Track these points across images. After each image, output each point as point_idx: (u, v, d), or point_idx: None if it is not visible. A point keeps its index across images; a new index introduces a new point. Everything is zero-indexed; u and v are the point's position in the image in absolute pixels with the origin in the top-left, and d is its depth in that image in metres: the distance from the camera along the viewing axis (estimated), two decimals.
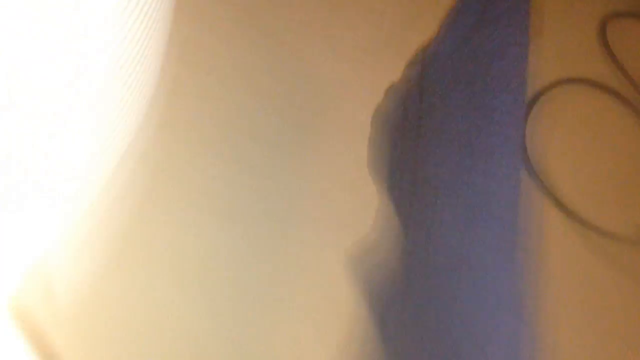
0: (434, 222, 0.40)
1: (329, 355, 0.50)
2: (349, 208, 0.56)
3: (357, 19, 0.71)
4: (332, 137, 0.60)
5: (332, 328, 0.51)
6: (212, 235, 0.52)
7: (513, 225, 0.35)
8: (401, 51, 0.70)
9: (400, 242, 0.44)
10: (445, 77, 0.50)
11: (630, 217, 0.68)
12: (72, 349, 0.45)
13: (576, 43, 0.81)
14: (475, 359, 0.31)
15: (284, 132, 0.58)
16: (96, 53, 0.32)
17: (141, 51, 0.34)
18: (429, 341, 0.36)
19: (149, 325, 0.47)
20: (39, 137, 0.31)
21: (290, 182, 0.56)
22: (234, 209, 0.53)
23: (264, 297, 0.51)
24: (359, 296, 0.49)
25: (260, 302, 0.51)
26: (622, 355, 0.61)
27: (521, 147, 0.44)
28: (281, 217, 0.55)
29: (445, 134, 0.43)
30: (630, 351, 0.62)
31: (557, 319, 0.66)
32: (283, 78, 0.63)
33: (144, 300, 0.47)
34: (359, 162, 0.59)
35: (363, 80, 0.66)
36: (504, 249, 0.34)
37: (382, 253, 0.46)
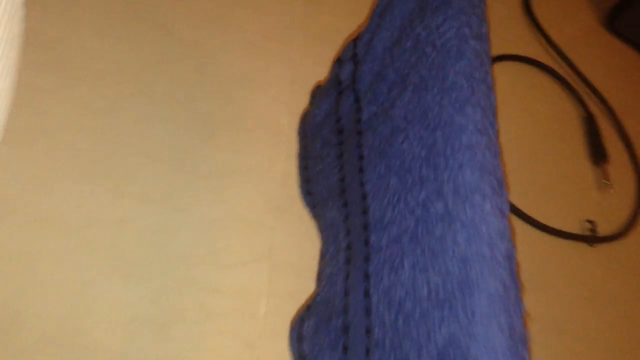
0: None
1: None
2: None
3: (266, 2, 0.59)
4: (243, 143, 0.49)
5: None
6: None
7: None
8: (320, 38, 0.60)
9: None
10: (385, 79, 0.40)
11: (574, 211, 0.64)
12: None
13: (501, 18, 0.75)
14: None
15: (184, 147, 0.46)
16: None
17: None
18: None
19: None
20: None
21: (198, 188, 0.45)
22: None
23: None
24: None
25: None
26: (575, 351, 0.57)
27: None
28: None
29: (391, 157, 0.33)
30: (583, 346, 0.58)
31: None
32: (180, 77, 0.50)
33: None
34: (274, 171, 0.49)
35: (276, 73, 0.56)
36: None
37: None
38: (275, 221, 0.47)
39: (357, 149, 0.37)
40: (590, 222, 0.62)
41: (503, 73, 0.71)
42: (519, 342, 0.23)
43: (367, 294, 0.31)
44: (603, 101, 0.70)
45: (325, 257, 0.39)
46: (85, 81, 0.47)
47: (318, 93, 0.49)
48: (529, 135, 0.68)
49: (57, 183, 0.42)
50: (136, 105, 0.47)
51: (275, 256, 0.46)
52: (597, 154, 0.67)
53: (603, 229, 0.63)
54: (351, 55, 0.43)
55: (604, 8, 0.79)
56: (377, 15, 0.43)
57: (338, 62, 0.45)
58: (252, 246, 0.46)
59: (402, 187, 0.30)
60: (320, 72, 0.57)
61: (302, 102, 0.54)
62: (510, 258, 0.24)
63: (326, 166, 0.41)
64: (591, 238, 0.61)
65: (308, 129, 0.47)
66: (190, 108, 0.49)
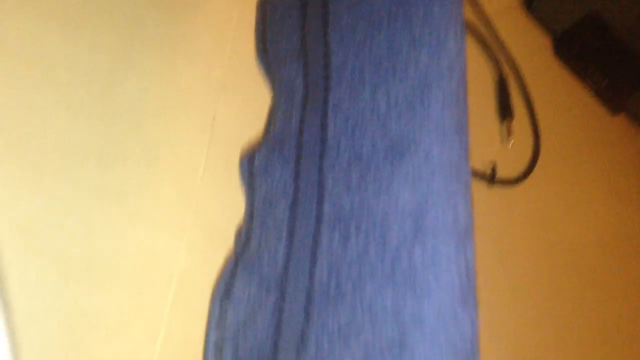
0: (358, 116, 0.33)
1: None
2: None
3: None
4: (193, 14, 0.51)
5: None
6: None
7: None
8: None
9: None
10: None
11: (479, 156, 0.71)
12: None
13: None
14: None
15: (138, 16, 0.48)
16: None
17: None
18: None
19: None
20: None
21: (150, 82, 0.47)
22: None
23: None
24: None
25: None
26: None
27: None
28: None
29: (360, 4, 0.36)
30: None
31: None
32: None
33: None
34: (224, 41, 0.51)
35: None
36: None
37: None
38: (219, 95, 0.50)
39: (323, 6, 0.39)
40: (492, 165, 0.69)
41: None
42: (463, 129, 0.28)
43: (324, 114, 0.34)
44: (513, 65, 0.79)
45: (276, 114, 0.42)
46: None
47: None
48: None
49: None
50: None
51: (216, 128, 0.49)
52: (504, 111, 0.75)
53: (502, 176, 0.71)
54: None
55: None
56: None
57: None
58: (195, 118, 0.49)
59: (369, 26, 0.34)
60: None
61: None
62: (463, 75, 0.29)
63: (287, 24, 0.43)
64: (491, 177, 0.68)
65: None
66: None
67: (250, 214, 0.39)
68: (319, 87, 0.36)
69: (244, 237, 0.38)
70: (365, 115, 0.32)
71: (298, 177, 0.34)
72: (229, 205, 0.47)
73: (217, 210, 0.47)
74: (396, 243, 0.27)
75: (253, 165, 0.40)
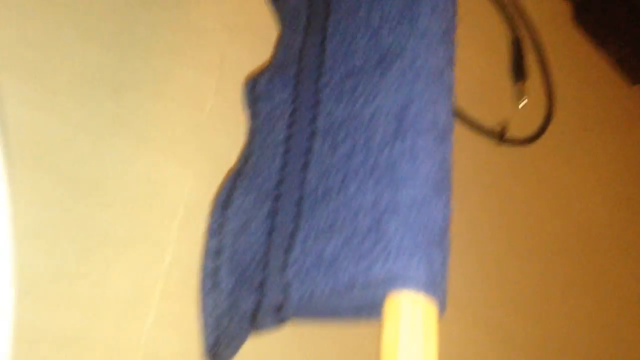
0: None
1: None
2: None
3: None
4: None
5: None
6: None
7: None
8: None
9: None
10: None
11: (491, 116, 0.71)
12: None
13: None
14: None
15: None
16: None
17: None
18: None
19: None
20: None
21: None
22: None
23: None
24: None
25: None
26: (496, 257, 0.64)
27: None
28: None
29: None
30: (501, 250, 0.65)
31: None
32: None
33: None
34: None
35: None
36: None
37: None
38: (229, 33, 0.51)
39: None
40: (502, 124, 0.69)
41: None
42: (449, 37, 0.29)
43: (323, 38, 0.36)
44: (531, 27, 0.78)
45: (280, 43, 0.44)
46: None
47: None
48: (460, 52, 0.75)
49: None
50: None
51: (226, 65, 0.50)
52: (518, 72, 0.75)
53: (513, 135, 0.71)
54: None
55: None
56: None
57: None
58: (204, 55, 0.50)
59: None
60: None
61: None
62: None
63: None
64: (500, 135, 0.68)
65: None
66: None
67: (251, 135, 0.40)
68: (320, 13, 0.37)
69: (245, 155, 0.40)
70: (359, 31, 0.33)
71: (297, 98, 0.36)
72: (235, 140, 0.48)
73: (223, 144, 0.48)
74: (379, 143, 0.28)
75: (256, 90, 0.41)
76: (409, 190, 0.27)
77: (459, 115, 0.66)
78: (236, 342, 0.34)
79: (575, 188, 0.79)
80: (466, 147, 0.67)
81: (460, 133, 0.68)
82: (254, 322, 0.32)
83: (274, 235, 0.32)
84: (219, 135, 0.48)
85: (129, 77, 0.46)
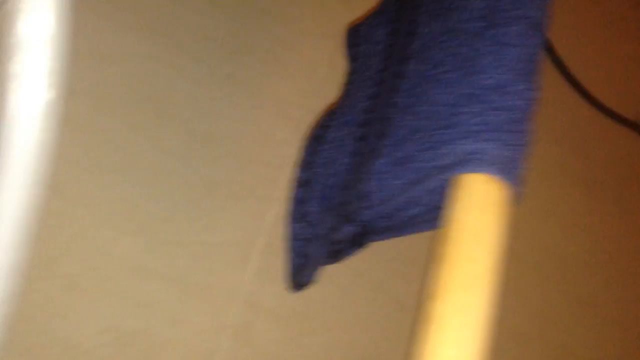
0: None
1: None
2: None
3: None
4: None
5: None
6: None
7: None
8: None
9: None
10: None
11: (633, 100, 0.65)
12: None
13: None
14: None
15: None
16: None
17: None
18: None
19: None
20: None
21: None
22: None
23: None
24: None
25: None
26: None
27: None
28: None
29: None
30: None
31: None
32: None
33: None
34: None
35: None
36: None
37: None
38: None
39: None
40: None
41: None
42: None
43: None
44: None
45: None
46: None
47: None
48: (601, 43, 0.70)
49: None
50: None
51: (340, 38, 0.51)
52: None
53: None
54: None
55: None
56: None
57: None
58: (319, 26, 0.51)
59: None
60: None
61: None
62: None
63: None
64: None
65: None
66: None
67: (349, 77, 0.41)
68: None
69: (342, 96, 0.40)
70: None
71: (394, 32, 0.36)
72: None
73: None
74: (468, 38, 0.29)
75: (358, 34, 0.42)
76: (491, 75, 0.27)
77: (599, 106, 0.61)
78: (318, 267, 0.35)
79: None
80: (605, 135, 0.62)
81: (598, 123, 0.63)
82: (338, 245, 0.33)
83: (359, 157, 0.32)
84: (329, 102, 0.49)
85: (248, 43, 0.48)
